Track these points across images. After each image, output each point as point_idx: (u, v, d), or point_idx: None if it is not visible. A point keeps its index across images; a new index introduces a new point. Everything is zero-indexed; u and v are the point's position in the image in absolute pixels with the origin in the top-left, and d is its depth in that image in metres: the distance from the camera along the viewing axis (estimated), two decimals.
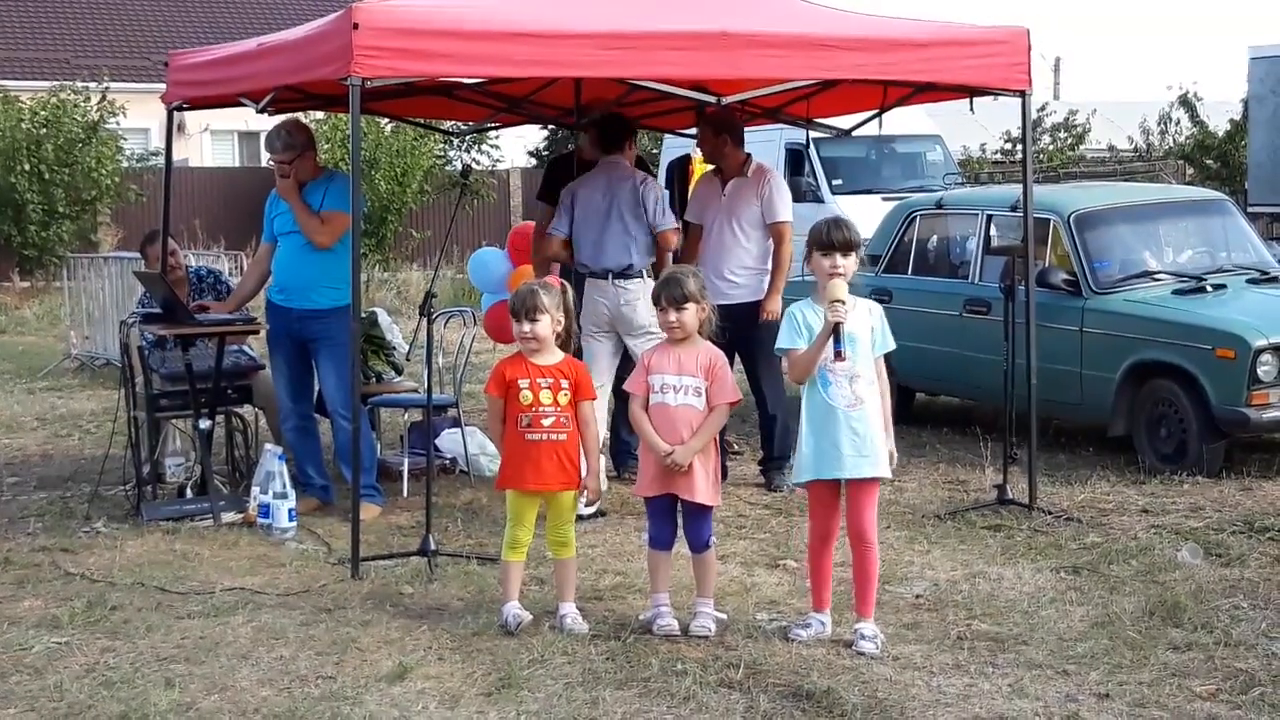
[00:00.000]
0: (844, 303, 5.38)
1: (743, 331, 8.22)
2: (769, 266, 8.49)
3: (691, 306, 5.65)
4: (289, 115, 8.55)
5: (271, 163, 7.88)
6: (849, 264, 5.51)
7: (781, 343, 5.61)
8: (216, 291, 8.71)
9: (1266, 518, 7.33)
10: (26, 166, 22.81)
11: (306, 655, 5.47)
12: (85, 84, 24.50)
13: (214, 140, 31.72)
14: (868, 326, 5.52)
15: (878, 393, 5.53)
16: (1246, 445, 8.76)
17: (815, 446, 5.52)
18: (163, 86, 8.52)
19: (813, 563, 5.71)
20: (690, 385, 5.65)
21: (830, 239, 5.50)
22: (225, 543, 7.24)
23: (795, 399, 8.30)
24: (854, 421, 5.46)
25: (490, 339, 10.08)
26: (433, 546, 6.67)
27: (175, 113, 8.58)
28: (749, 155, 8.65)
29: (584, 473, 5.79)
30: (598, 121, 8.26)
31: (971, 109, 8.21)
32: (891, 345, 5.60)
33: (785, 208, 8.48)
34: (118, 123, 24.30)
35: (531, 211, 26.10)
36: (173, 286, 8.20)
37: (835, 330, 5.37)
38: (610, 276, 7.81)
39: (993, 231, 9.75)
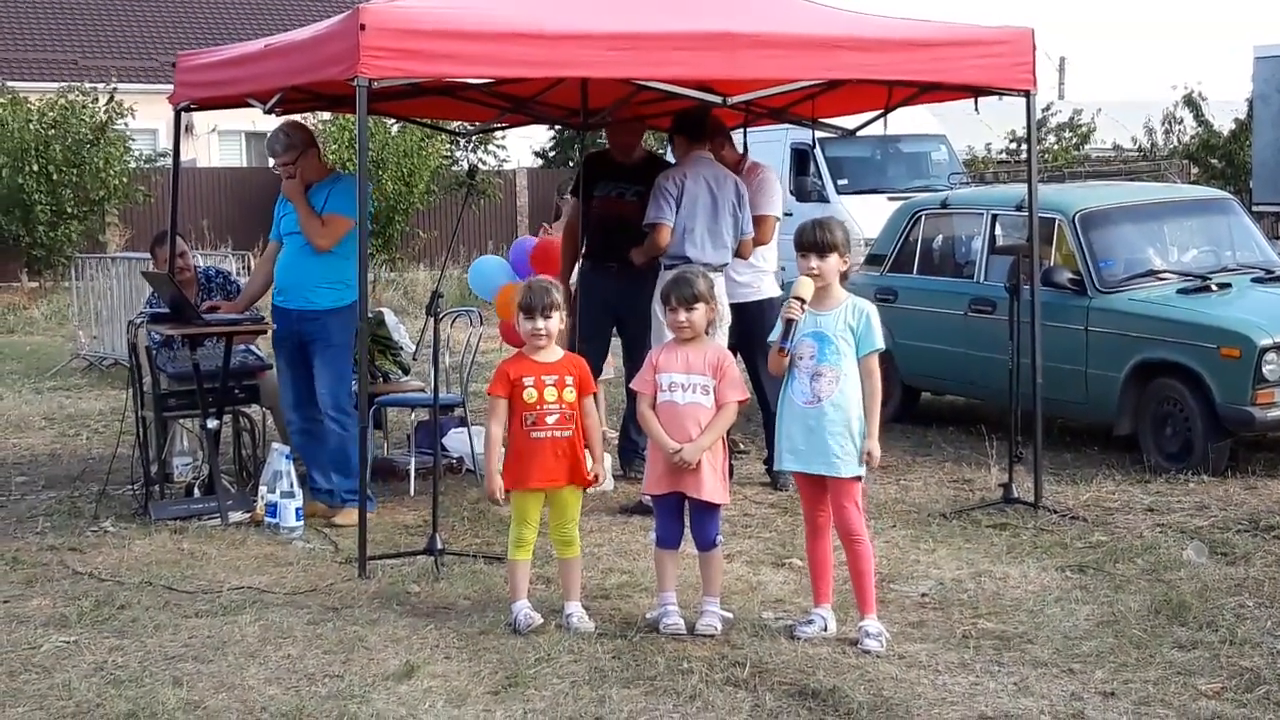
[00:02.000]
0: (802, 300, 5.45)
1: (746, 330, 8.25)
2: (769, 267, 8.51)
3: (701, 306, 5.69)
4: (293, 116, 8.56)
5: (277, 168, 7.89)
6: (825, 265, 5.54)
7: (770, 337, 5.70)
8: (225, 291, 8.73)
9: (1272, 516, 7.33)
10: (35, 167, 22.83)
11: (314, 654, 5.49)
12: (93, 85, 24.54)
13: (221, 140, 31.75)
14: (844, 326, 5.54)
15: (854, 392, 5.53)
16: (1252, 444, 8.76)
17: (778, 438, 5.66)
18: (170, 87, 8.54)
19: (808, 555, 5.79)
20: (698, 383, 5.67)
21: (803, 240, 5.59)
22: (233, 542, 7.26)
23: None
24: (809, 419, 5.52)
25: (506, 342, 10.12)
26: (439, 545, 6.69)
27: (183, 113, 8.62)
28: (744, 155, 8.69)
29: (589, 462, 5.81)
30: (677, 118, 8.30)
31: (976, 109, 8.23)
32: (877, 345, 5.57)
33: (768, 203, 8.44)
34: (126, 124, 24.32)
35: (537, 213, 26.20)
36: (181, 287, 8.23)
37: (787, 326, 5.44)
38: (709, 270, 7.77)
39: (998, 231, 9.76)
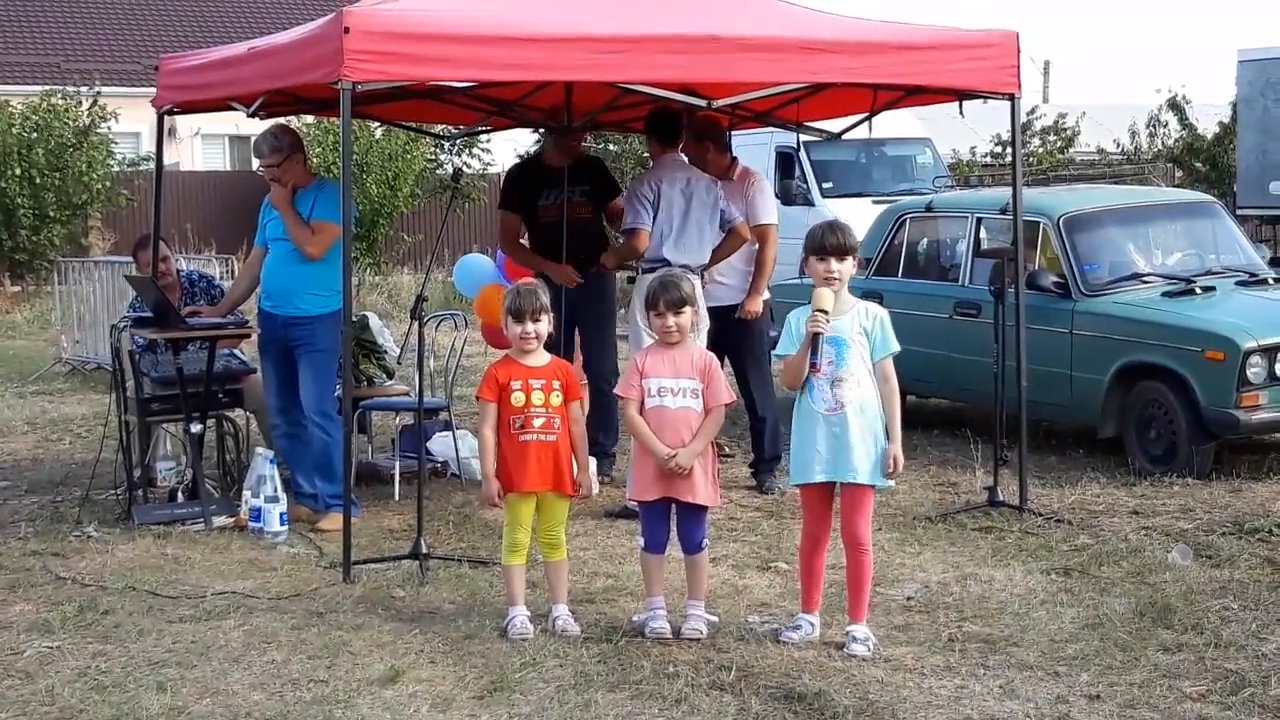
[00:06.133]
0: (826, 313, 5.39)
1: (730, 334, 8.24)
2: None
3: (688, 310, 5.68)
4: (279, 119, 8.54)
5: (262, 170, 7.87)
6: (844, 268, 5.51)
7: (777, 350, 5.64)
8: (209, 296, 8.72)
9: (1256, 519, 7.35)
10: (17, 171, 22.74)
11: (298, 659, 5.47)
12: (76, 88, 24.46)
13: (205, 144, 31.68)
14: (859, 330, 5.52)
15: (872, 397, 5.51)
16: (1236, 446, 8.78)
17: (798, 450, 5.56)
18: (153, 90, 8.52)
19: (803, 564, 5.72)
20: (688, 388, 5.65)
21: (824, 243, 5.49)
22: (216, 546, 7.23)
23: (784, 400, 8.30)
24: (833, 426, 5.47)
25: (488, 343, 10.10)
26: (424, 550, 6.67)
27: (166, 117, 8.59)
28: (734, 159, 8.68)
29: (575, 470, 5.80)
30: (651, 119, 8.25)
31: (961, 112, 8.24)
32: (894, 348, 5.58)
33: (769, 210, 8.50)
34: (109, 127, 24.24)
35: None
36: (164, 291, 8.20)
37: (814, 340, 5.39)
38: (687, 274, 7.74)
39: (983, 234, 9.77)
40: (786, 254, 8.42)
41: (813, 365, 5.42)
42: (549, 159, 8.62)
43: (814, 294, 5.45)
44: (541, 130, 10.56)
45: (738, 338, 8.33)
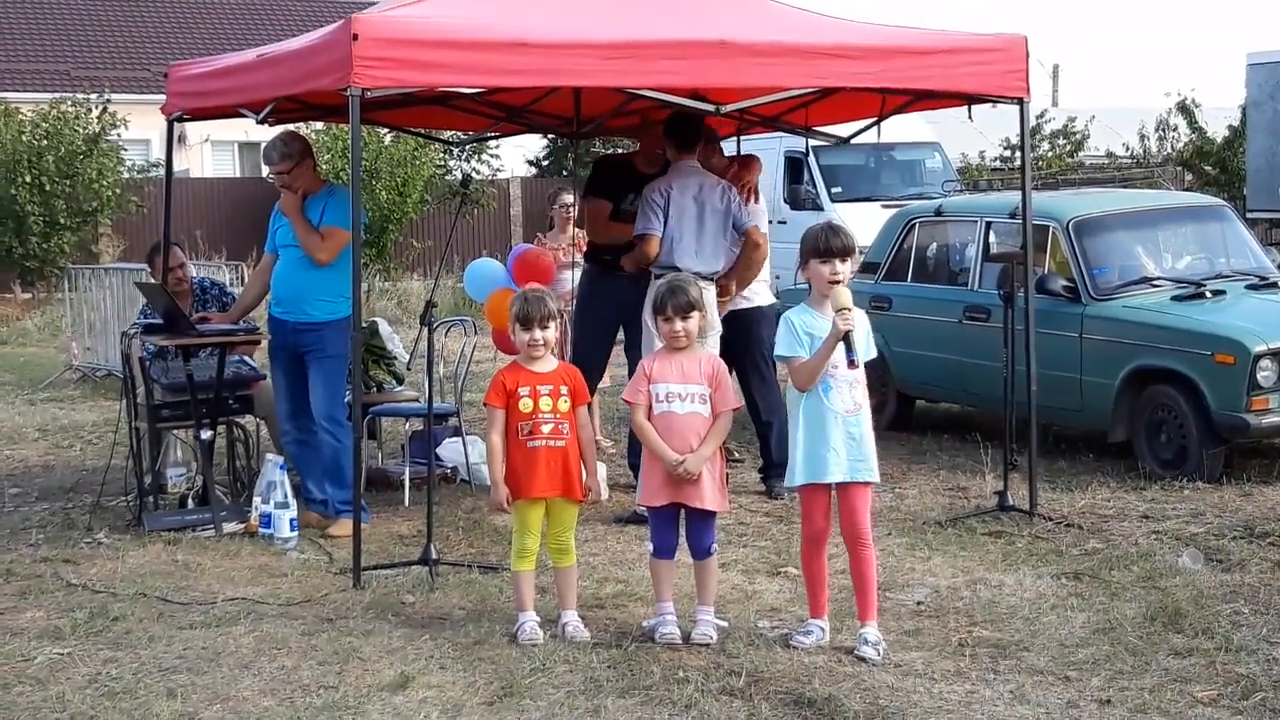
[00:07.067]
0: (850, 310, 5.40)
1: (736, 338, 8.23)
2: (764, 276, 8.50)
3: (695, 315, 5.68)
4: (288, 126, 8.55)
5: (272, 177, 7.89)
6: (847, 270, 5.53)
7: (781, 350, 5.61)
8: (221, 303, 8.73)
9: (1267, 523, 7.34)
10: (28, 178, 22.81)
11: (308, 665, 5.48)
12: (86, 95, 24.54)
13: (214, 151, 31.73)
14: (863, 333, 5.55)
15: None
16: (1246, 450, 8.77)
17: (811, 450, 5.53)
18: (163, 98, 8.54)
19: (806, 567, 5.73)
20: (696, 393, 5.66)
21: (829, 245, 5.51)
22: (227, 553, 7.24)
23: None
24: (851, 426, 5.49)
25: (499, 349, 10.11)
26: (434, 555, 6.68)
27: (175, 124, 8.62)
28: (732, 160, 8.68)
29: (584, 475, 5.81)
30: (670, 123, 8.15)
31: (970, 116, 8.25)
32: (872, 353, 5.65)
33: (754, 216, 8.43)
34: (119, 134, 24.31)
35: (531, 222, 26.21)
36: (177, 298, 8.22)
37: (845, 338, 5.39)
38: (698, 280, 7.70)
39: (992, 238, 9.75)
40: (794, 259, 8.42)
41: (851, 362, 5.42)
42: (640, 164, 8.43)
43: (835, 294, 5.44)
44: (551, 136, 10.48)
45: (742, 343, 8.32)
